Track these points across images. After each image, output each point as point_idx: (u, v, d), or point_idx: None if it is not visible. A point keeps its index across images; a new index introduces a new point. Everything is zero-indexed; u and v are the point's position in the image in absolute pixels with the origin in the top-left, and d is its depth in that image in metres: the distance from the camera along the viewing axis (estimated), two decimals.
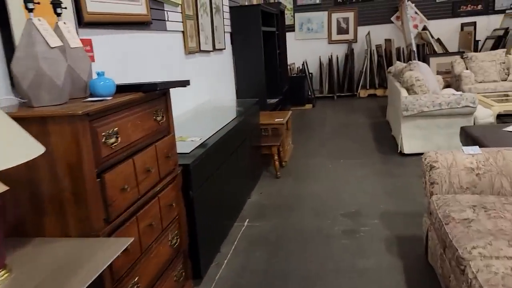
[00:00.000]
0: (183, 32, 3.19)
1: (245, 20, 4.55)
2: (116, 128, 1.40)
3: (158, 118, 1.73)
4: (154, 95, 1.71)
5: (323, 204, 3.15)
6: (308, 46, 8.70)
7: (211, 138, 2.46)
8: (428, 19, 8.01)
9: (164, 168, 1.74)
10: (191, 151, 2.10)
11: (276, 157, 3.82)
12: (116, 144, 1.39)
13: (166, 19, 2.87)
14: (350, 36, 8.50)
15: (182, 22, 3.16)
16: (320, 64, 8.21)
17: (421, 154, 4.24)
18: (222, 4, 4.23)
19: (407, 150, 4.14)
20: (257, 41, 4.59)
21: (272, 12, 5.52)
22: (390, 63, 7.97)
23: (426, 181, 2.15)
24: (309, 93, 7.48)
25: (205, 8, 3.67)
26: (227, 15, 4.47)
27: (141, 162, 1.54)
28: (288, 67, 7.44)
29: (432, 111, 3.98)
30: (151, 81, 2.63)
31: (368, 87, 8.11)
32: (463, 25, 7.94)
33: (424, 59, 7.61)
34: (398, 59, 7.86)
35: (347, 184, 3.55)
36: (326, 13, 8.50)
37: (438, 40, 7.86)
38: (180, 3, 3.08)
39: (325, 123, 6.01)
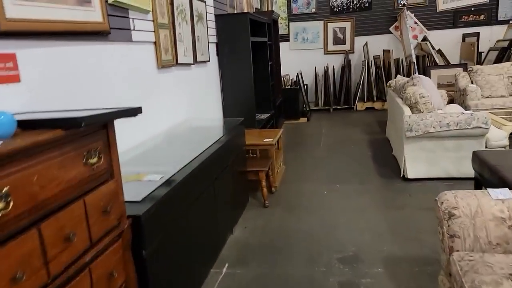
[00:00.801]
0: (155, 43, 2.76)
1: (233, 29, 4.13)
2: (7, 188, 0.95)
3: (92, 161, 1.28)
4: (86, 131, 1.27)
5: (316, 243, 2.70)
6: (303, 57, 8.32)
7: (180, 172, 2.01)
8: (428, 29, 7.65)
9: (98, 228, 1.29)
10: (146, 196, 1.65)
11: (264, 184, 3.38)
12: (6, 211, 0.94)
13: (132, 28, 2.45)
14: (346, 47, 8.12)
15: (153, 31, 2.73)
16: (316, 75, 7.81)
17: (427, 179, 3.83)
18: (206, 12, 3.81)
19: (411, 174, 3.71)
20: (246, 52, 4.18)
21: (263, 21, 5.11)
22: (388, 75, 7.59)
23: (443, 232, 1.71)
24: (304, 106, 7.07)
25: (184, 16, 3.25)
26: (212, 24, 4.06)
27: (54, 229, 1.09)
28: (282, 78, 7.03)
29: (439, 132, 3.56)
30: (113, 102, 2.19)
31: (365, 100, 7.71)
32: (464, 36, 7.58)
33: (425, 71, 7.22)
34: (397, 70, 7.48)
35: (344, 216, 3.11)
36: (322, 22, 8.13)
37: (439, 51, 7.49)
38: (150, 9, 2.65)
39: (320, 140, 5.58)
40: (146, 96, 2.67)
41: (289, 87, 7.21)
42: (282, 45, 8.29)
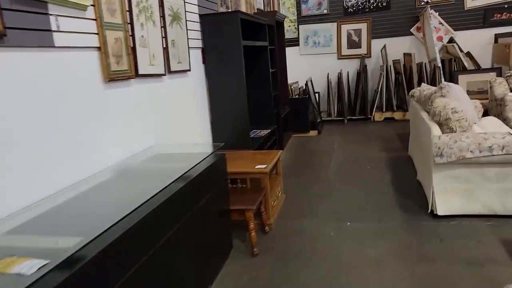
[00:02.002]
0: (99, 48, 2.09)
1: (221, 31, 3.45)
2: None
3: None
4: None
5: None
6: (315, 62, 7.58)
7: (98, 241, 1.32)
8: (455, 29, 6.81)
9: None
10: None
11: (252, 226, 2.65)
12: None
13: (55, 29, 1.78)
14: (362, 51, 7.34)
15: (97, 33, 2.07)
16: (328, 82, 7.06)
17: (463, 217, 2.89)
18: (185, 11, 3.14)
19: (441, 210, 2.93)
20: (237, 59, 3.48)
21: (262, 23, 4.41)
22: (410, 81, 6.77)
23: None
24: (314, 117, 6.32)
25: (149, 15, 2.58)
26: (195, 26, 3.38)
27: None
28: (289, 87, 6.31)
29: (478, 157, 2.78)
30: (19, 136, 1.49)
31: (384, 110, 6.91)
32: (497, 36, 6.70)
33: (452, 77, 6.39)
34: (420, 76, 6.66)
35: (354, 272, 2.36)
36: (335, 24, 7.39)
37: (468, 54, 6.63)
38: (88, 4, 1.99)
39: (330, 158, 4.83)
40: (83, 122, 1.99)
41: (297, 96, 6.48)
42: (291, 50, 7.60)
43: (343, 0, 7.28)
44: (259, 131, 4.34)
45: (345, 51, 7.46)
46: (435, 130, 2.98)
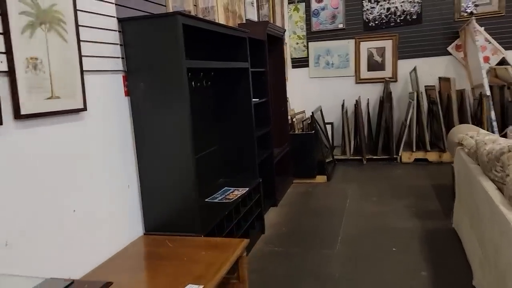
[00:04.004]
0: None
1: (155, 45, 2.15)
2: None
3: None
4: None
5: None
6: (328, 87, 6.22)
7: None
8: (506, 48, 5.34)
9: None
10: None
11: None
12: None
13: None
14: (387, 73, 5.93)
15: None
16: (343, 111, 5.65)
17: None
18: (76, 10, 1.84)
19: None
20: (178, 88, 2.15)
21: (239, 36, 3.10)
22: (448, 113, 5.30)
23: None
24: (323, 156, 4.91)
25: None
26: (108, 36, 2.09)
27: None
28: (291, 120, 4.94)
29: None
30: None
31: (414, 149, 5.43)
32: None
33: (505, 109, 4.90)
34: (461, 107, 5.18)
35: None
36: (352, 41, 6.03)
37: None
38: None
39: (339, 226, 3.39)
40: None
41: (300, 131, 5.09)
42: (299, 72, 6.28)
43: (362, 12, 5.93)
44: (231, 191, 2.97)
45: (365, 73, 6.06)
46: (509, 212, 1.54)
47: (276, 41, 4.45)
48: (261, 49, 3.77)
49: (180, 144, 2.20)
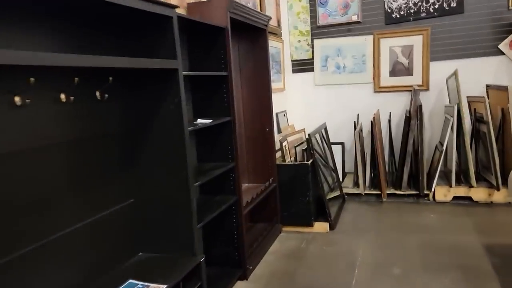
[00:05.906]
0: None
1: None
2: None
3: None
4: None
5: None
6: (338, 97, 4.85)
7: None
8: None
9: None
10: None
11: None
12: None
13: None
14: (415, 80, 4.49)
15: None
16: (357, 130, 4.25)
17: None
18: None
19: None
20: None
21: (157, 14, 1.77)
22: (502, 135, 3.82)
23: None
24: (324, 192, 3.50)
25: None
26: None
27: None
28: (284, 147, 3.56)
29: None
30: None
31: (453, 183, 3.96)
32: None
33: None
34: None
35: None
36: (370, 38, 4.63)
37: None
38: None
39: None
40: None
41: (293, 159, 3.70)
42: (303, 78, 4.92)
43: (384, 2, 4.53)
44: None
45: (387, 80, 4.64)
46: None
47: (256, 33, 3.11)
48: (219, 42, 2.44)
49: None
